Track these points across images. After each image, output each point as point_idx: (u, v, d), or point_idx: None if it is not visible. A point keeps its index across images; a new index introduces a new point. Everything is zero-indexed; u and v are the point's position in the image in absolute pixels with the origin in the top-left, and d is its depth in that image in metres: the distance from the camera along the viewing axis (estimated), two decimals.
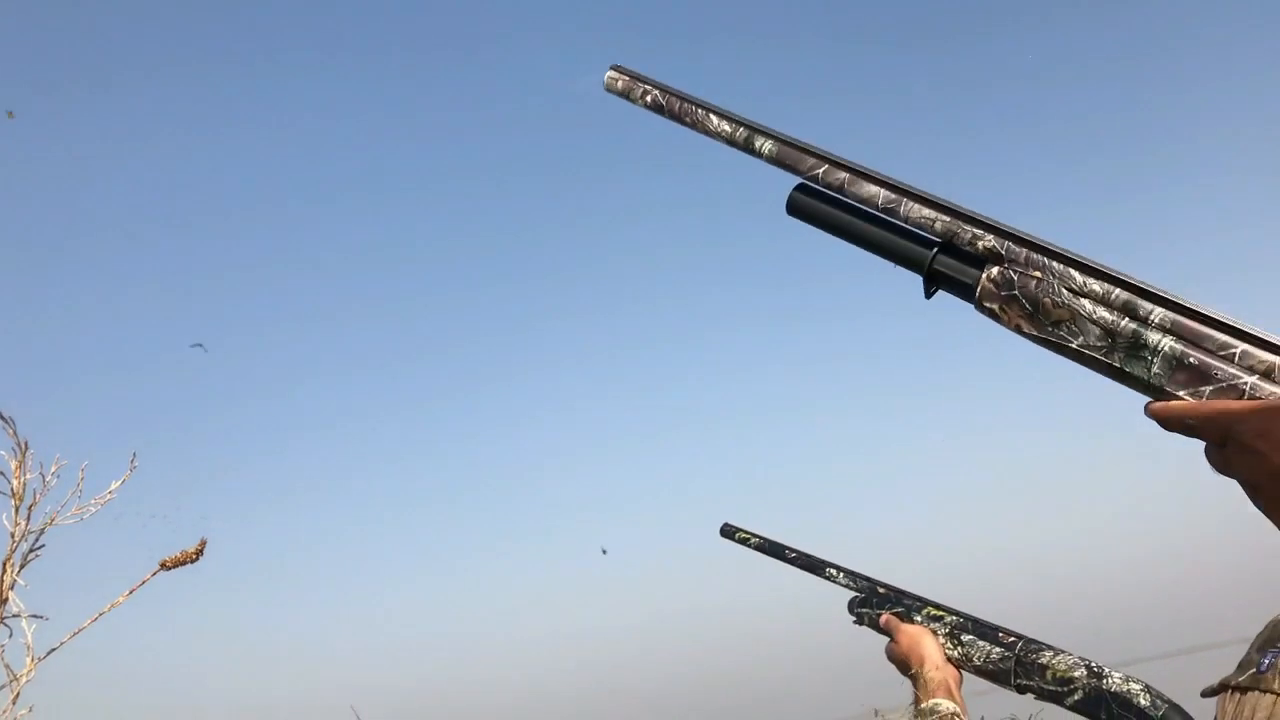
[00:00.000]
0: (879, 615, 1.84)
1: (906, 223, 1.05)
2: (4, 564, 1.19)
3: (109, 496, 1.28)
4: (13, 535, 1.21)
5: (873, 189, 1.07)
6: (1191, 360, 0.85)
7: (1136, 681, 1.45)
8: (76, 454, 1.29)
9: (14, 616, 1.19)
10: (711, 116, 1.18)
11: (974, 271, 1.00)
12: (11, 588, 1.19)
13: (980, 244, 0.99)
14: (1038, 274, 0.95)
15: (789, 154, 1.12)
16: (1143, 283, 0.91)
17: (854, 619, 1.90)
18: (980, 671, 1.66)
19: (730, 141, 1.16)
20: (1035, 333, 0.95)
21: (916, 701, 1.69)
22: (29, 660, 1.18)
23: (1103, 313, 0.91)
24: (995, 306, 0.97)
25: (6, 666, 1.17)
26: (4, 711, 1.14)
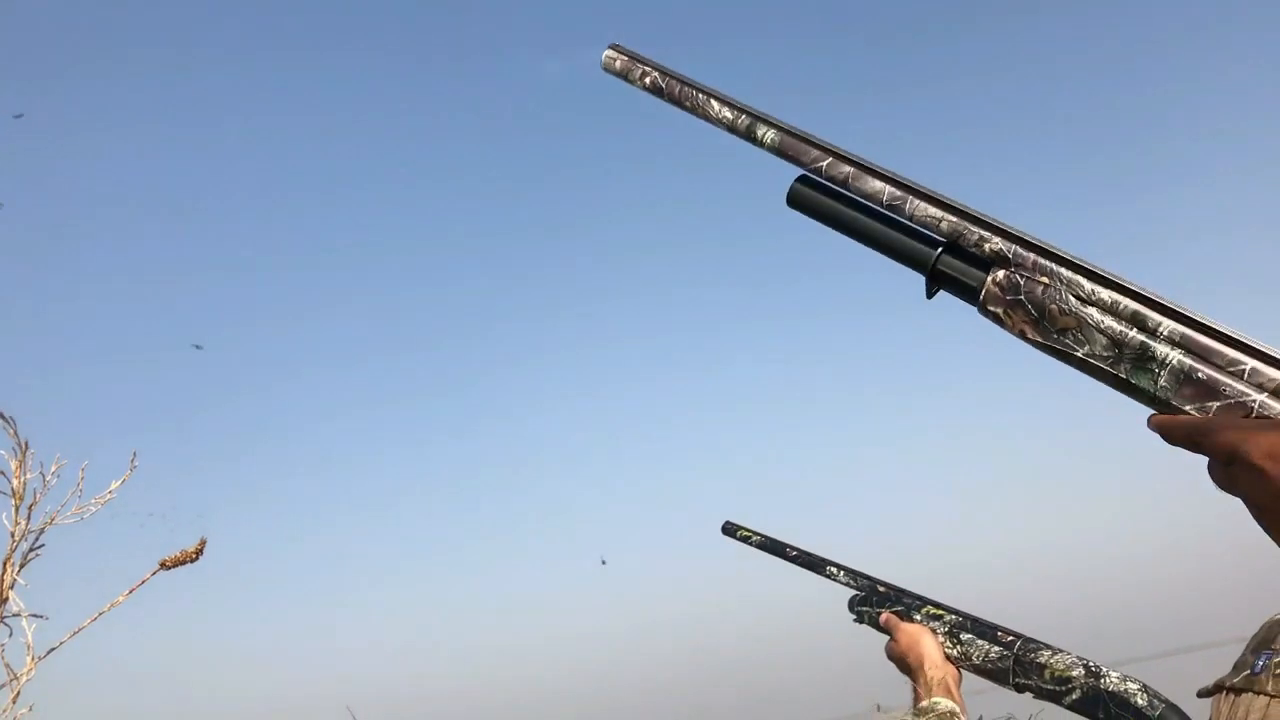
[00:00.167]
0: (879, 614, 1.85)
1: (911, 221, 1.03)
2: (4, 563, 1.19)
3: (109, 496, 1.28)
4: (13, 534, 1.21)
5: (878, 184, 1.05)
6: (1200, 375, 0.84)
7: (1134, 681, 1.45)
8: (77, 453, 1.30)
9: (14, 615, 1.19)
10: (713, 102, 1.14)
11: (979, 274, 0.98)
12: (12, 587, 1.19)
13: (987, 246, 0.97)
14: (1045, 280, 0.93)
15: (792, 145, 1.09)
16: (1152, 293, 0.89)
17: (854, 617, 1.91)
18: (979, 670, 1.67)
19: (731, 129, 1.13)
20: (1040, 339, 0.93)
21: (916, 700, 1.69)
22: (29, 659, 1.18)
23: (1110, 322, 0.89)
24: (999, 310, 0.95)
25: (7, 665, 1.18)
26: (4, 710, 1.15)
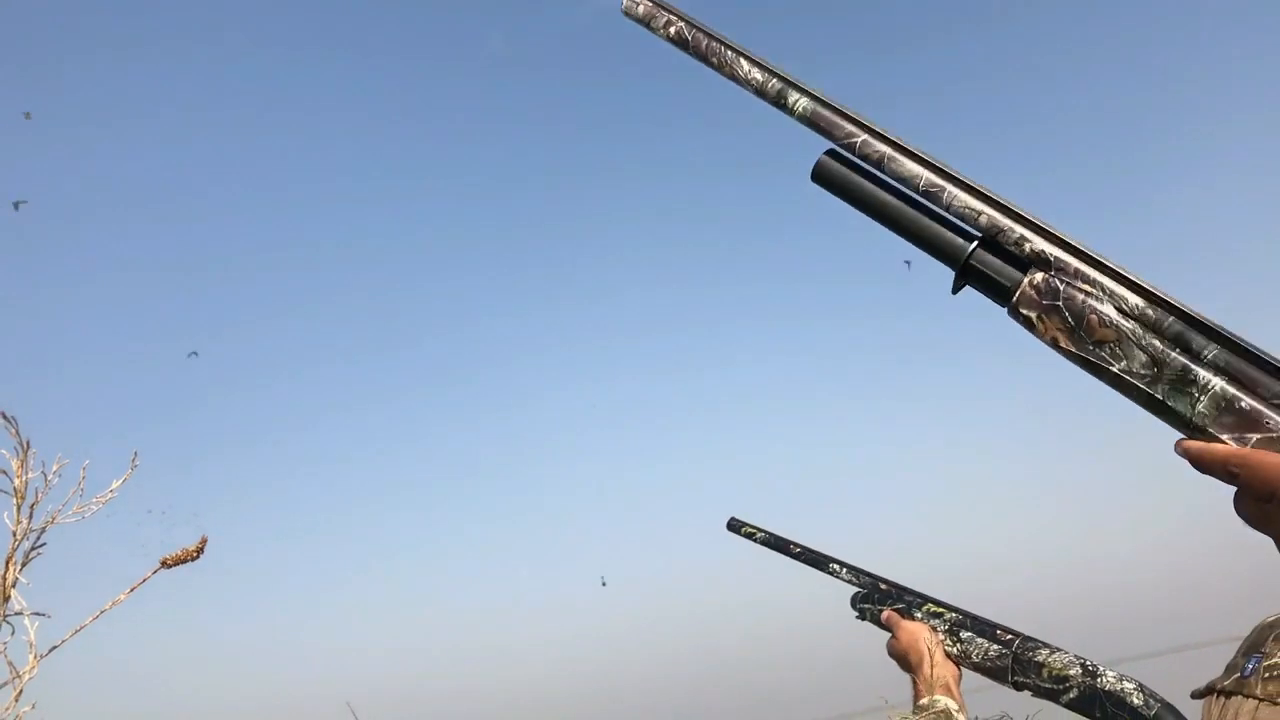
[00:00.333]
0: (880, 611, 1.85)
1: (948, 211, 0.96)
2: (7, 562, 1.20)
3: (110, 495, 1.28)
4: (15, 534, 1.21)
5: (915, 168, 0.98)
6: (1243, 405, 0.80)
7: (1130, 680, 1.45)
8: (78, 453, 1.30)
9: (16, 614, 1.19)
10: (742, 61, 1.05)
11: (1014, 274, 0.93)
12: (14, 585, 1.20)
13: (1028, 246, 0.92)
14: (1087, 288, 0.88)
15: (825, 116, 1.01)
16: (1200, 315, 0.84)
17: (856, 614, 1.92)
18: (979, 668, 1.67)
19: (760, 92, 1.04)
20: (1074, 349, 0.88)
21: (916, 697, 1.70)
22: (31, 657, 1.19)
23: (1153, 340, 0.84)
24: (1032, 314, 0.90)
25: (10, 664, 1.18)
26: (7, 708, 1.15)
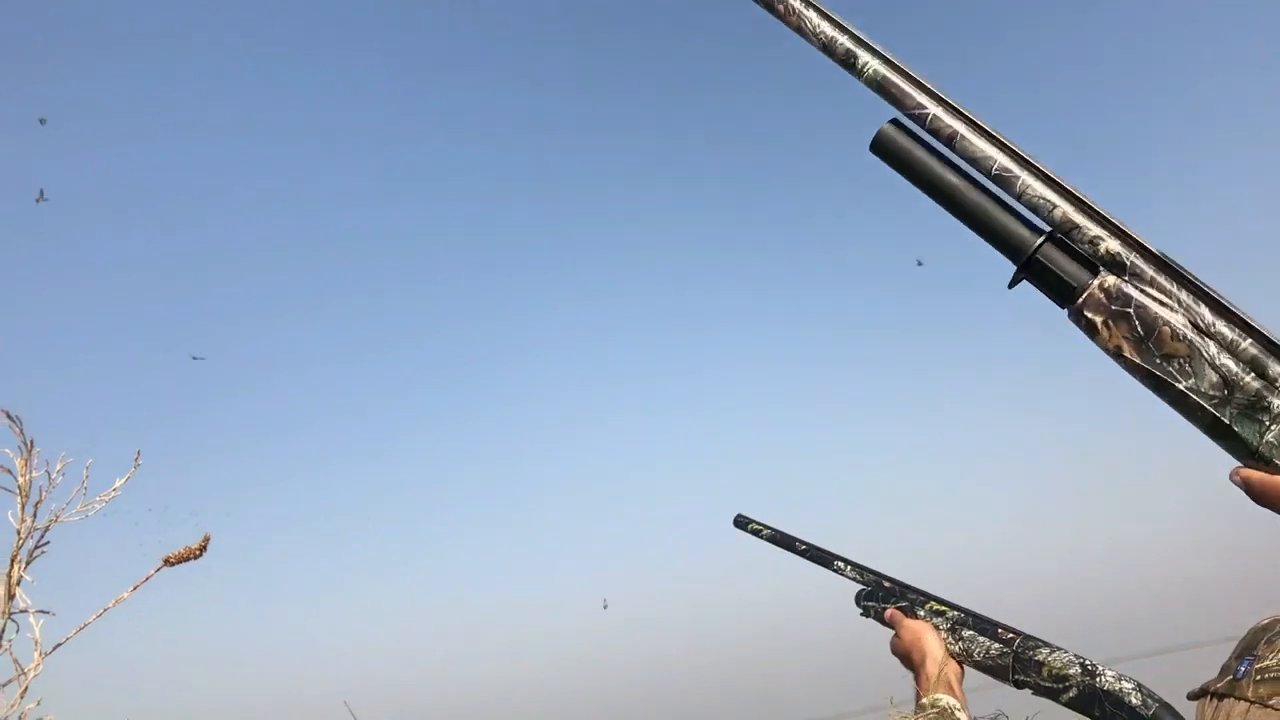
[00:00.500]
0: (884, 609, 1.86)
1: (1019, 200, 0.89)
2: (11, 560, 1.21)
3: (113, 493, 1.29)
4: (19, 531, 1.23)
5: (989, 150, 0.90)
6: None
7: (1128, 680, 1.45)
8: (81, 451, 1.32)
9: (21, 612, 1.20)
10: (811, 13, 0.97)
11: (1083, 275, 0.87)
12: (18, 583, 1.21)
13: (1102, 246, 0.85)
14: (1162, 298, 0.83)
15: (895, 84, 0.93)
16: None
17: (860, 611, 1.93)
18: (980, 667, 1.67)
19: (827, 49, 0.96)
20: (1138, 360, 0.82)
21: (918, 696, 1.70)
22: (36, 655, 1.20)
23: (1227, 361, 0.79)
24: (1098, 319, 0.84)
25: (15, 661, 1.19)
26: (12, 705, 1.17)
